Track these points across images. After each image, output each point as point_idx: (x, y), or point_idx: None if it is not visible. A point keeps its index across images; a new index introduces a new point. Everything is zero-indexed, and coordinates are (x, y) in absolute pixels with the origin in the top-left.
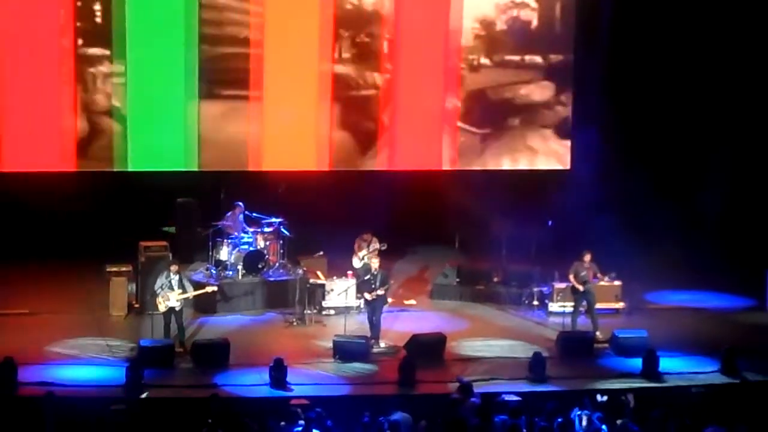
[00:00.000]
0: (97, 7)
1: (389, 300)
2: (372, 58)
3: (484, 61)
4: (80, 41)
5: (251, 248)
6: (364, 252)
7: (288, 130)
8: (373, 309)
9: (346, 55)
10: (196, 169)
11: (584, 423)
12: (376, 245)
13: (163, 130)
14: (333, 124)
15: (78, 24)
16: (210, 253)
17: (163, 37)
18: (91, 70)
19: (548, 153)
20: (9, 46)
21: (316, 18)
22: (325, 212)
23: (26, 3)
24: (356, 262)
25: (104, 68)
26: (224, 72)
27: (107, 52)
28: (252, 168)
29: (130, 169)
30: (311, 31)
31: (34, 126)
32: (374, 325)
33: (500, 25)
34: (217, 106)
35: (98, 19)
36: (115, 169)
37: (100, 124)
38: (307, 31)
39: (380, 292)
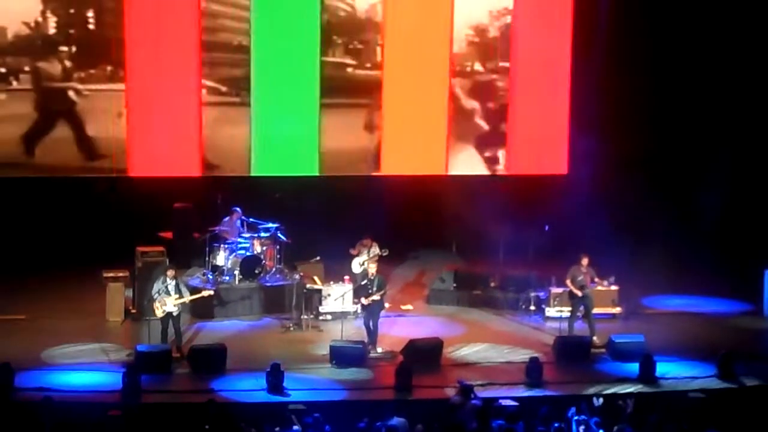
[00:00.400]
0: (224, 18)
1: (386, 305)
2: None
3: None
4: (208, 51)
5: (248, 253)
6: (364, 257)
7: (407, 136)
8: (370, 314)
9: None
10: (317, 174)
11: (581, 428)
12: (376, 250)
13: (286, 137)
14: (450, 130)
15: (204, 35)
16: (207, 259)
17: (287, 47)
18: (220, 77)
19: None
20: (142, 60)
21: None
22: (321, 217)
23: (162, 13)
24: (356, 267)
25: (231, 76)
26: (345, 81)
27: (234, 61)
28: (371, 173)
29: (253, 175)
30: (429, 36)
31: (165, 133)
32: (371, 331)
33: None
34: (337, 114)
35: (225, 30)
36: (238, 174)
37: (225, 131)
38: (425, 37)
39: (376, 297)
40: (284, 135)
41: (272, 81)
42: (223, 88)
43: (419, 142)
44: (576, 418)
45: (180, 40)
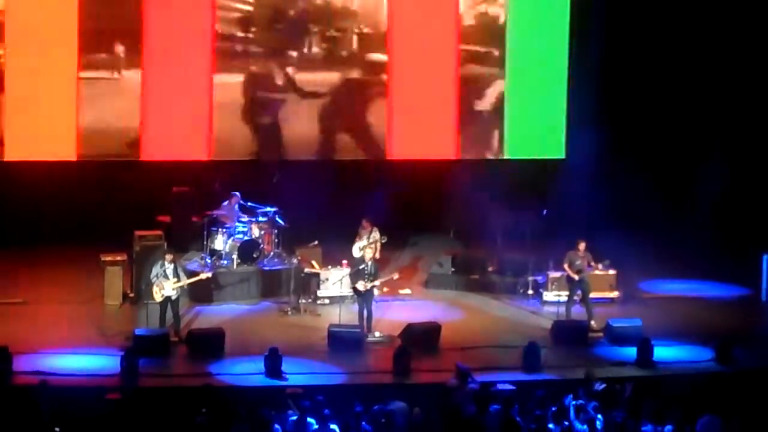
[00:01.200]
0: (483, 8)
1: (384, 289)
2: None
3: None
4: (467, 42)
5: (246, 237)
6: (364, 242)
7: None
8: (365, 300)
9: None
10: (563, 157)
11: (579, 413)
12: (376, 235)
13: (535, 121)
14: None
15: (467, 26)
16: (205, 243)
17: (540, 35)
18: (476, 69)
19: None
20: (407, 53)
21: None
22: (320, 201)
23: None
24: (356, 251)
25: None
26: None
27: (490, 51)
28: None
29: (505, 157)
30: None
31: (424, 117)
32: (367, 316)
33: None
34: None
35: (484, 20)
36: (490, 157)
37: (479, 116)
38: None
39: (377, 283)
40: (535, 119)
41: (524, 71)
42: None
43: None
44: (573, 402)
45: (441, 29)
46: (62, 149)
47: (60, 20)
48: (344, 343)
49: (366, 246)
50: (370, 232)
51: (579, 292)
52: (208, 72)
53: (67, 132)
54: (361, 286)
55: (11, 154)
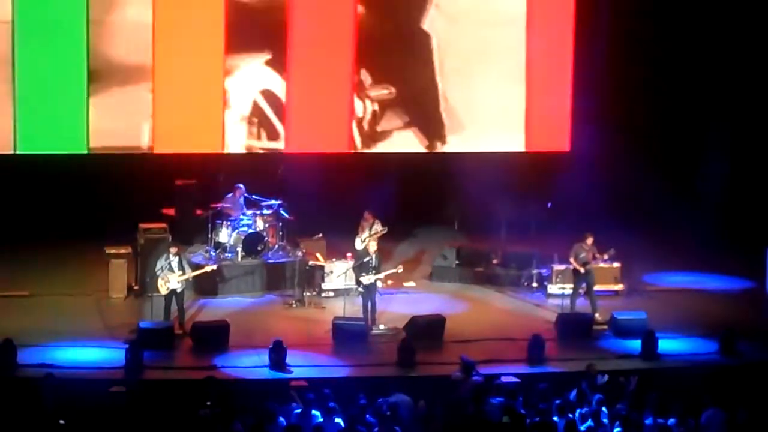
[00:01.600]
0: None
1: (389, 282)
2: None
3: None
4: None
5: (250, 230)
6: (366, 234)
7: None
8: (369, 293)
9: None
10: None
11: (584, 407)
12: (378, 227)
13: None
14: None
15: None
16: (209, 235)
17: None
18: None
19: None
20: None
21: None
22: (324, 194)
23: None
24: (358, 244)
25: None
26: None
27: None
28: None
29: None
30: None
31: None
32: (371, 308)
33: None
34: None
35: None
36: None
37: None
38: None
39: (381, 277)
40: None
41: None
42: None
43: None
44: (579, 411)
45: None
46: (209, 142)
47: (207, 19)
48: (348, 335)
49: (369, 238)
50: (372, 224)
51: (584, 284)
52: (350, 68)
53: (214, 126)
54: (365, 279)
55: (161, 147)
